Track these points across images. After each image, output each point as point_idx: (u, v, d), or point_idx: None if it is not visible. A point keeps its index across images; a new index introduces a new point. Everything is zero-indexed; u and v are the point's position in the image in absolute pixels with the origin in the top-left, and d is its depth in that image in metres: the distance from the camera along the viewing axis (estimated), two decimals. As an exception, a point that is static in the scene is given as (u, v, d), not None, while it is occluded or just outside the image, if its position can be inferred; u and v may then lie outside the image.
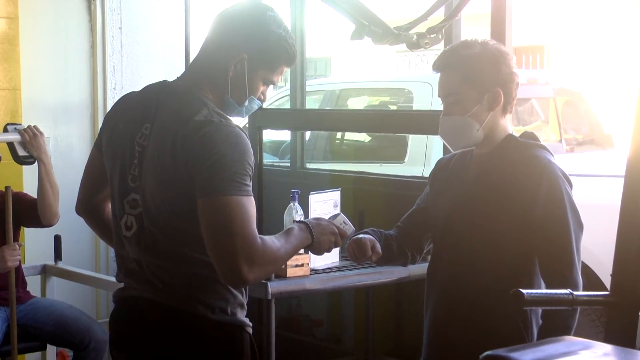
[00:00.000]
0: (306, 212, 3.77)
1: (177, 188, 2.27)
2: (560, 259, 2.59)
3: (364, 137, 6.64)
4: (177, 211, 2.29)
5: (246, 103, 2.43)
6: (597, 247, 4.29)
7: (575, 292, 1.94)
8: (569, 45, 13.84)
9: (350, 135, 6.64)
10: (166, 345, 2.35)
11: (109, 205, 2.54)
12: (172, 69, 5.23)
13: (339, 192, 3.88)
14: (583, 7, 13.61)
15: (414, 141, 5.71)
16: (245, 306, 2.43)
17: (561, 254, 2.59)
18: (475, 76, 2.65)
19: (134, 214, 2.37)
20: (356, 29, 2.79)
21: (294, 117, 4.81)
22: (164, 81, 2.50)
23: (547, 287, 2.62)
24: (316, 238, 2.44)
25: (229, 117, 2.37)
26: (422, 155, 5.61)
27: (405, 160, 5.84)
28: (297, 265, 3.64)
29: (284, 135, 6.15)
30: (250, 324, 2.43)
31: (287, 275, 3.61)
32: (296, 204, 3.78)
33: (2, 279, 4.10)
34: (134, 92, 2.53)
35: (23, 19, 5.07)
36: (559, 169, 2.66)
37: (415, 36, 2.86)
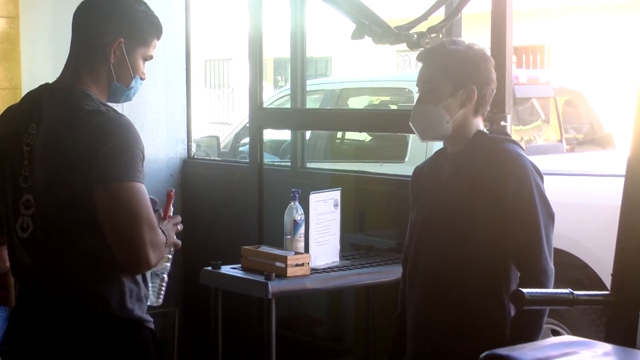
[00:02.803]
0: (306, 212, 3.77)
1: (71, 180, 2.28)
2: (529, 248, 2.64)
3: (364, 136, 6.64)
4: (73, 204, 2.29)
5: (133, 84, 2.48)
6: (598, 246, 4.29)
7: (575, 292, 1.94)
8: (570, 44, 13.84)
9: (351, 135, 6.64)
10: (63, 343, 2.35)
11: None
12: (172, 69, 5.23)
13: (339, 191, 3.88)
14: (583, 7, 13.60)
15: (415, 141, 5.71)
16: (145, 300, 2.44)
17: (530, 243, 2.64)
18: (454, 70, 2.71)
19: (29, 214, 2.36)
20: (357, 29, 2.80)
21: (294, 117, 4.81)
22: (45, 84, 2.51)
23: (520, 277, 2.68)
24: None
25: (119, 103, 2.49)
26: (423, 155, 5.60)
27: (406, 159, 5.84)
28: (297, 265, 3.64)
29: (284, 134, 6.14)
30: (151, 319, 2.43)
31: (288, 275, 3.61)
32: (297, 203, 3.79)
33: (0, 279, 4.10)
34: (15, 104, 2.56)
35: (24, 19, 5.07)
36: (529, 162, 2.71)
37: (415, 36, 2.86)
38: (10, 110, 2.53)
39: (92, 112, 2.30)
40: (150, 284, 2.52)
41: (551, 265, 2.66)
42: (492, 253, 2.68)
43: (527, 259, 2.65)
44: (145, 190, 2.29)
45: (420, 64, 2.81)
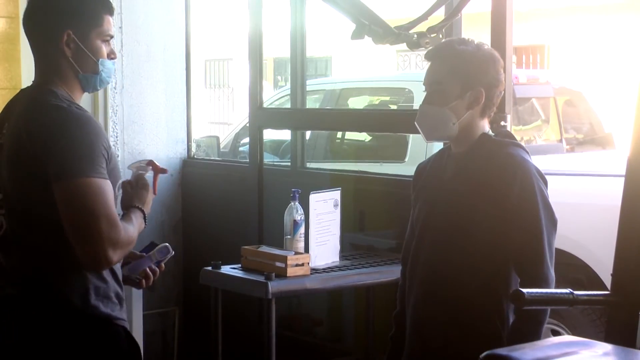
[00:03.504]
0: (306, 212, 3.77)
1: (33, 177, 2.28)
2: (531, 254, 2.63)
3: (364, 136, 6.64)
4: (35, 200, 2.29)
5: (100, 68, 2.44)
6: (598, 246, 4.29)
7: (575, 292, 1.94)
8: (570, 44, 13.84)
9: (351, 135, 6.64)
10: (29, 340, 2.34)
11: None
12: (172, 69, 5.23)
13: (339, 191, 3.88)
14: (583, 7, 13.60)
15: (415, 141, 5.71)
16: (115, 299, 2.40)
17: (532, 250, 2.63)
18: (463, 71, 2.68)
19: (2, 214, 2.38)
20: (357, 29, 2.80)
21: (294, 117, 4.81)
22: (24, 88, 2.53)
23: (520, 282, 2.66)
24: (145, 210, 2.48)
25: (97, 90, 2.49)
26: (423, 155, 5.59)
27: (406, 159, 5.84)
28: (297, 265, 3.63)
29: (284, 134, 6.14)
30: (123, 317, 2.41)
31: (288, 275, 3.60)
32: (297, 203, 3.78)
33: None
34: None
35: (23, 19, 5.06)
36: (534, 167, 2.69)
37: (415, 35, 2.86)
38: None
39: (51, 107, 2.30)
40: None
41: (552, 273, 2.64)
42: (492, 254, 2.67)
43: (528, 265, 2.63)
44: (104, 186, 2.26)
45: (427, 63, 2.77)
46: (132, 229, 2.37)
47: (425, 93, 2.77)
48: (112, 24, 2.47)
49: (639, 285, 1.90)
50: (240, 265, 3.79)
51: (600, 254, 4.28)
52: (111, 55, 2.47)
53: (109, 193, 2.28)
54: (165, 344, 5.10)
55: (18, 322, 2.35)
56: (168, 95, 5.20)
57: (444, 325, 2.73)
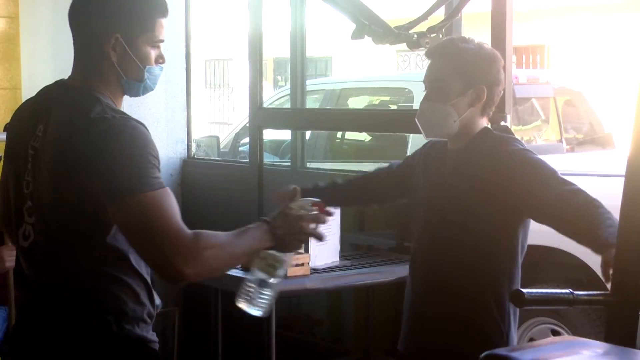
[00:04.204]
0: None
1: (74, 192, 2.12)
2: (563, 196, 2.56)
3: (364, 136, 6.64)
4: (73, 215, 2.14)
5: (146, 75, 2.27)
6: (598, 246, 4.28)
7: (575, 292, 1.94)
8: (570, 44, 13.84)
9: (351, 135, 6.64)
10: (60, 357, 2.19)
11: None
12: (172, 69, 5.23)
13: (339, 191, 3.87)
14: (583, 7, 13.60)
15: (414, 141, 5.70)
16: (149, 320, 2.26)
17: (561, 193, 2.57)
18: (465, 69, 2.68)
19: (30, 222, 2.23)
20: (357, 29, 2.80)
21: (294, 117, 4.81)
22: (59, 80, 2.34)
23: (576, 218, 2.55)
24: (281, 238, 2.28)
25: (139, 96, 2.30)
26: (423, 155, 5.61)
27: (406, 159, 5.83)
28: (297, 265, 3.64)
29: (284, 134, 6.14)
30: (155, 339, 2.27)
31: (288, 275, 3.60)
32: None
33: (0, 278, 4.10)
34: (31, 98, 2.39)
35: (23, 19, 5.07)
36: (532, 153, 2.70)
37: (415, 35, 2.86)
38: (23, 106, 2.39)
39: (97, 120, 2.11)
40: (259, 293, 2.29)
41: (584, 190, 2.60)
42: (493, 250, 2.67)
43: (569, 204, 2.55)
44: (162, 198, 2.09)
45: (427, 62, 2.78)
46: (225, 240, 2.20)
47: (425, 90, 2.77)
48: (164, 26, 2.28)
49: (639, 285, 1.90)
50: (240, 265, 3.79)
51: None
52: (159, 60, 2.29)
53: (168, 203, 2.10)
54: (165, 343, 5.10)
55: (46, 340, 2.22)
56: (168, 95, 5.20)
57: (444, 320, 2.74)
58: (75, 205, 2.13)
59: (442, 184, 2.77)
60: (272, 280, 2.30)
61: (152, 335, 2.27)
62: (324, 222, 2.31)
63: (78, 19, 2.27)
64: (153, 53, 2.27)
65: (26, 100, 2.41)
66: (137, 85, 2.28)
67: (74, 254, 2.18)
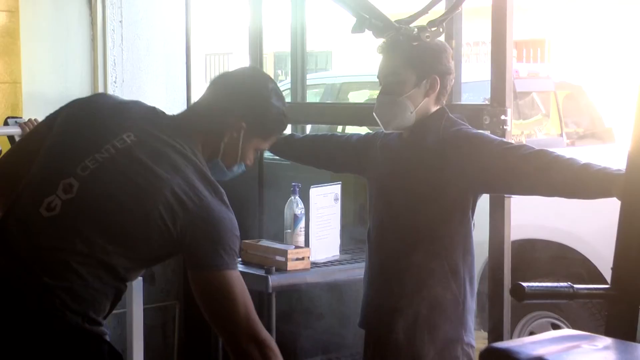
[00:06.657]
0: (307, 206, 3.77)
1: (130, 208, 2.18)
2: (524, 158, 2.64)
3: (364, 130, 6.62)
4: (122, 242, 2.18)
5: (235, 169, 2.43)
6: (598, 240, 4.29)
7: (575, 286, 1.94)
8: (570, 38, 13.83)
9: (351, 129, 6.63)
10: (24, 348, 2.13)
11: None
12: (172, 63, 5.23)
13: (339, 185, 3.88)
14: (584, 1, 13.59)
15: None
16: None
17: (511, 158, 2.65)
18: (417, 61, 2.80)
19: (62, 199, 2.19)
20: (357, 22, 2.81)
21: (295, 111, 4.77)
22: (155, 109, 2.42)
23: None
24: None
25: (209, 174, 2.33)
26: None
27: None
28: (297, 259, 3.64)
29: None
30: (107, 331, 2.27)
31: (288, 269, 3.61)
32: (297, 197, 3.79)
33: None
34: (118, 97, 2.51)
35: (23, 13, 5.06)
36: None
37: (416, 29, 2.86)
38: (115, 100, 2.46)
39: (199, 193, 2.23)
40: None
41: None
42: (447, 223, 2.77)
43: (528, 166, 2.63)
44: (241, 279, 2.25)
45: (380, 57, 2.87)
46: None
47: (381, 86, 2.87)
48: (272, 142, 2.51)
49: (639, 279, 1.90)
50: (240, 259, 3.79)
51: (600, 248, 4.28)
52: (248, 162, 2.44)
53: (245, 286, 2.25)
54: (165, 337, 5.11)
55: (18, 327, 2.15)
56: (168, 89, 5.20)
57: (400, 288, 2.81)
58: (142, 234, 2.20)
59: (396, 165, 2.87)
60: None
61: (106, 327, 2.27)
62: None
63: (220, 87, 2.42)
64: (251, 156, 2.44)
65: (115, 97, 2.49)
66: (221, 170, 2.39)
67: (88, 255, 2.17)
